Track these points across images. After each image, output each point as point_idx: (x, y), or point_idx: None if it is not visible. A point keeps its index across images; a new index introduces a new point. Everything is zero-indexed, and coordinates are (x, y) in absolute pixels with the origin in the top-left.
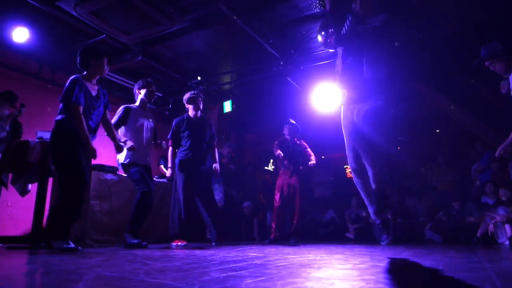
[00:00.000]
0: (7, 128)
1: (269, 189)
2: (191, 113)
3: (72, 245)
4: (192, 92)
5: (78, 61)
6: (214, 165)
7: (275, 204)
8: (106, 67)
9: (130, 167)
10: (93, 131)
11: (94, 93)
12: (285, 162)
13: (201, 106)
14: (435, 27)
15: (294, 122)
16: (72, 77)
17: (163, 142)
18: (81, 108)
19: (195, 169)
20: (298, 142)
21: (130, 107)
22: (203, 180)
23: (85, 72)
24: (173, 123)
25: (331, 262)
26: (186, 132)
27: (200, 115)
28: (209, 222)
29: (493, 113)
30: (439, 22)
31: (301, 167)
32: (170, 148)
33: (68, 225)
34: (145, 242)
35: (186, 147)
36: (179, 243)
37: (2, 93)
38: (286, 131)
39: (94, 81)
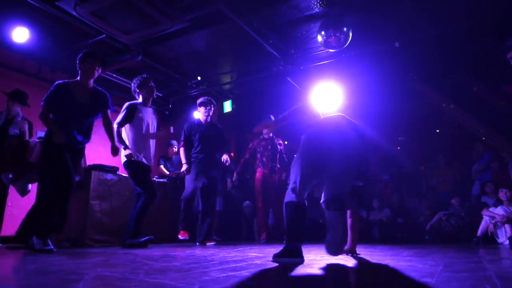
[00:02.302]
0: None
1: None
2: (201, 117)
3: (50, 246)
4: (206, 97)
5: None
6: (224, 157)
7: (259, 205)
8: (92, 68)
9: (134, 166)
10: (79, 142)
11: (83, 100)
12: (264, 159)
13: (211, 112)
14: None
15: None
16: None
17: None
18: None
19: (203, 172)
20: (276, 140)
21: (134, 104)
22: (209, 183)
23: (78, 77)
24: (185, 127)
25: (331, 262)
26: (196, 136)
27: (210, 120)
28: (200, 221)
29: (492, 113)
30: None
31: (278, 166)
32: (183, 148)
33: (44, 225)
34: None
35: (196, 150)
36: (181, 237)
37: (10, 93)
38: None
39: (87, 86)
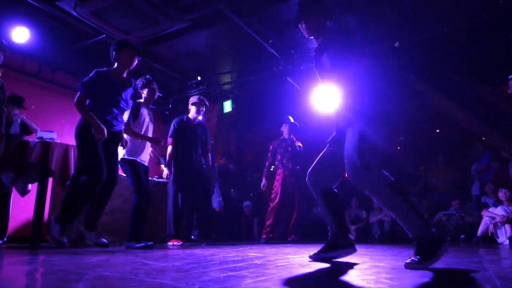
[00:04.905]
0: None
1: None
2: (191, 115)
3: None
4: (199, 97)
5: None
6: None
7: (273, 204)
8: (131, 59)
9: (130, 164)
10: (113, 126)
11: (121, 88)
12: (284, 161)
13: (202, 112)
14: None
15: (293, 120)
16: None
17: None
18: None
19: (190, 171)
20: (295, 140)
21: (138, 102)
22: (198, 182)
23: (114, 65)
24: (174, 123)
25: (331, 262)
26: (184, 133)
27: (199, 120)
28: (195, 221)
29: (492, 112)
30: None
31: (298, 167)
32: (170, 147)
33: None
34: (150, 242)
35: (182, 148)
36: (175, 243)
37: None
38: (285, 129)
39: (123, 75)
